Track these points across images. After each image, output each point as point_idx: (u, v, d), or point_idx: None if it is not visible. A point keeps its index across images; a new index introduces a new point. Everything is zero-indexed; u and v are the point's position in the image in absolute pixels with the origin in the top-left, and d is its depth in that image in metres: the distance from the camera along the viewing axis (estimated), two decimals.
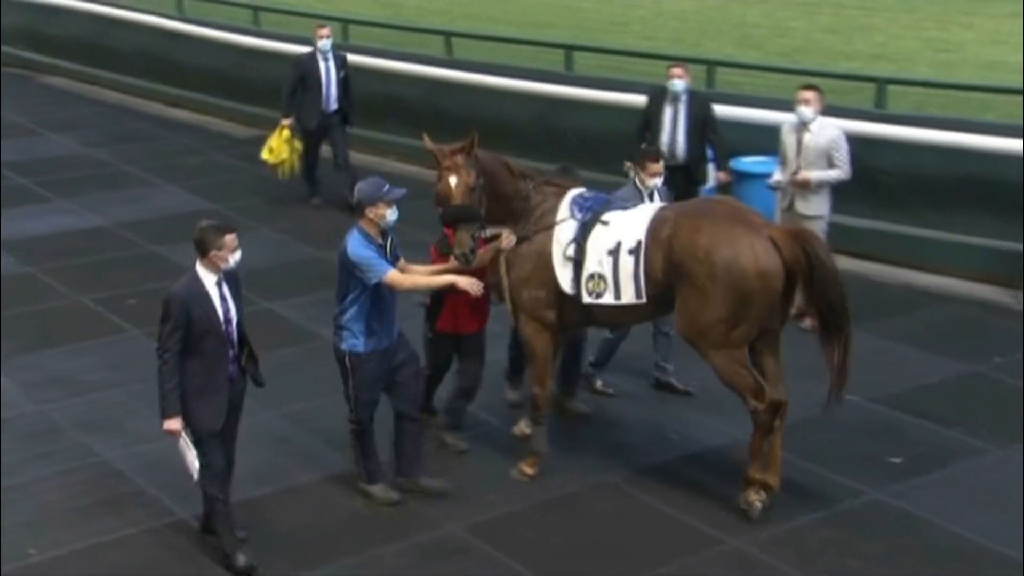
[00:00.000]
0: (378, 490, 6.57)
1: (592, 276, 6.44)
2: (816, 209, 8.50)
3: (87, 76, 18.10)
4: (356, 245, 6.20)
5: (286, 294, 9.69)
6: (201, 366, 5.83)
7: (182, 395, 5.82)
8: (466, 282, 6.32)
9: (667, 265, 6.27)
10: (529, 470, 6.80)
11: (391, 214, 6.25)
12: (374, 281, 6.18)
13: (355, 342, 6.33)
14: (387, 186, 6.28)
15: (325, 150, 12.01)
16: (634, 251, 6.34)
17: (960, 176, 9.88)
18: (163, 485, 6.89)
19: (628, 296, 6.38)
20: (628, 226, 6.44)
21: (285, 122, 11.60)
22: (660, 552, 6.18)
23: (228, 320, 5.92)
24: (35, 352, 8.71)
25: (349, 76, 11.69)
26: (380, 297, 6.28)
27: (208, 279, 5.89)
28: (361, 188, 6.31)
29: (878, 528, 6.37)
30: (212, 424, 5.90)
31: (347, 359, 6.37)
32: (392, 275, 6.22)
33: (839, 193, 8.68)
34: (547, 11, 20.50)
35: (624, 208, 6.64)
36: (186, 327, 5.78)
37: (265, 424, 7.53)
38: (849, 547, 6.20)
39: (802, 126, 8.49)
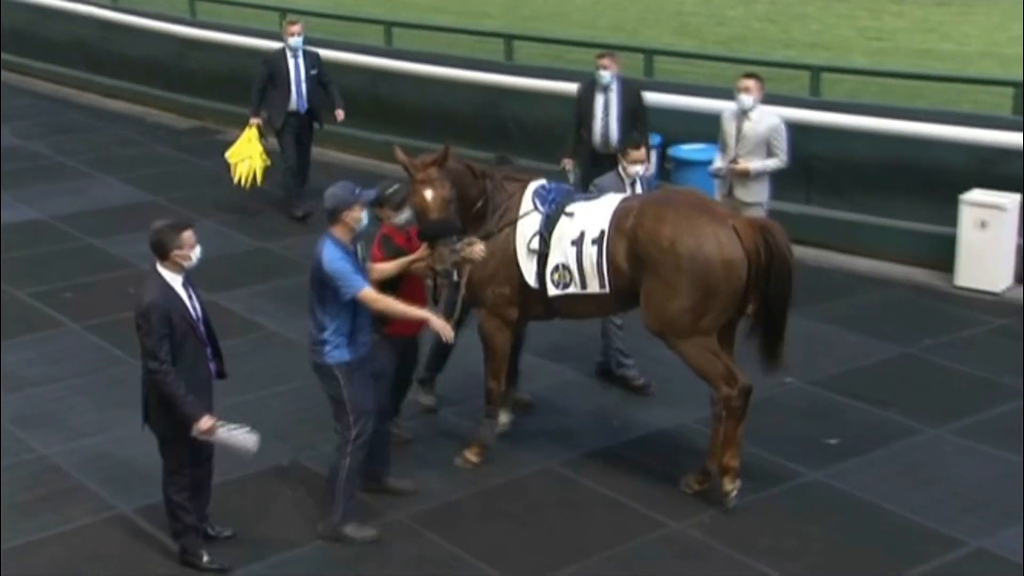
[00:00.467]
0: (353, 529, 6.20)
1: (557, 267, 6.43)
2: (755, 196, 8.58)
3: (19, 66, 17.78)
4: (331, 256, 5.90)
5: (228, 285, 9.61)
6: (182, 370, 5.71)
7: (166, 401, 5.70)
8: (439, 324, 6.09)
9: (631, 255, 6.28)
10: (474, 458, 6.81)
11: (365, 217, 6.07)
12: (349, 296, 5.92)
13: (341, 352, 6.04)
14: (358, 188, 6.11)
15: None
16: (597, 241, 6.34)
17: (894, 162, 10.04)
18: (103, 480, 6.84)
19: (593, 286, 6.38)
20: (592, 216, 6.43)
21: (253, 121, 11.11)
22: (603, 536, 6.23)
23: (199, 319, 5.83)
24: None
25: (325, 73, 11.19)
26: (359, 304, 6.07)
27: (175, 281, 5.74)
28: (335, 194, 6.03)
29: (816, 508, 6.47)
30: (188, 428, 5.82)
31: (336, 371, 6.04)
32: (367, 292, 5.96)
33: (776, 179, 8.78)
34: (486, 1, 20.47)
35: (589, 198, 6.64)
36: (170, 334, 5.65)
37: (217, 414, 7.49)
38: (787, 527, 6.29)
39: (742, 114, 8.57)
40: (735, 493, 6.39)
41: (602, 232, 6.34)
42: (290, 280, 9.74)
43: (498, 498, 6.59)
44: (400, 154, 6.42)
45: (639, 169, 7.31)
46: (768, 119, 8.57)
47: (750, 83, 8.53)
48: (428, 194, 6.30)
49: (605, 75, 9.49)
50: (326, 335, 6.03)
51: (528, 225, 6.53)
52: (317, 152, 13.52)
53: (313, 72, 11.03)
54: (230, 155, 11.16)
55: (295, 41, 10.98)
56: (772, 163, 8.56)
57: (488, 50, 13.13)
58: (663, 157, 10.85)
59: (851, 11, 19.08)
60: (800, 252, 9.95)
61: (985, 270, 9.37)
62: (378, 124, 12.72)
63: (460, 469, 6.82)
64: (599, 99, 9.54)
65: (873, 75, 12.08)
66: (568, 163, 9.64)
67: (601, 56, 9.63)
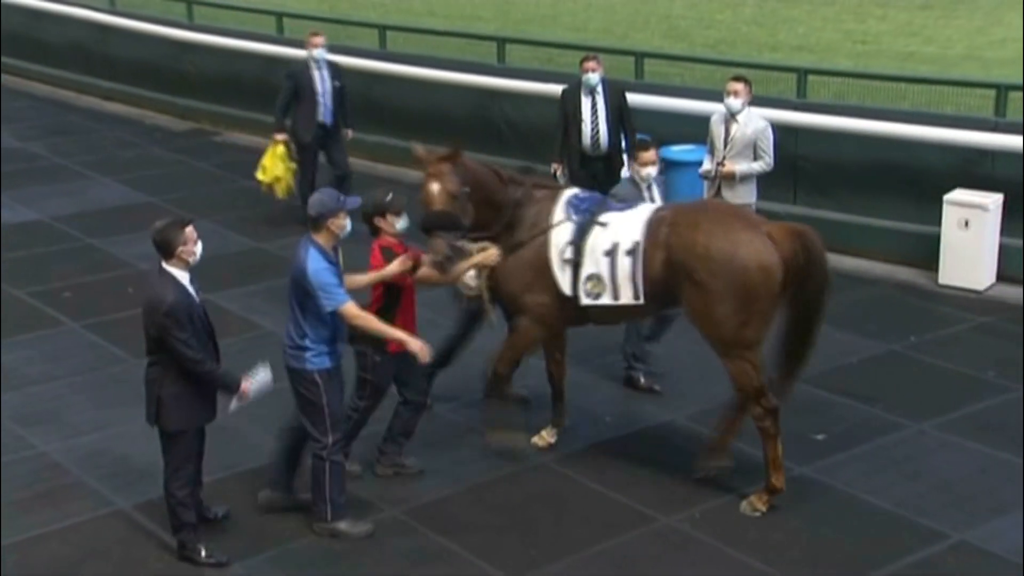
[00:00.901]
0: (348, 525, 6.18)
1: (590, 277, 6.36)
2: (743, 197, 8.59)
3: (17, 69, 17.75)
4: (317, 267, 5.85)
5: (224, 285, 9.60)
6: (211, 360, 5.83)
7: (178, 395, 5.76)
8: (417, 346, 6.06)
9: (667, 265, 6.20)
10: (544, 441, 6.97)
11: (348, 224, 6.04)
12: (329, 309, 5.89)
13: (322, 360, 6.01)
14: (341, 196, 6.14)
15: None
16: (631, 252, 6.26)
17: (878, 163, 10.07)
18: (102, 476, 6.84)
19: (626, 297, 6.32)
20: (625, 227, 6.34)
21: (279, 137, 10.66)
22: (595, 531, 6.24)
23: (205, 314, 5.90)
24: None
25: (344, 85, 10.82)
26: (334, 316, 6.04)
27: (184, 278, 5.78)
28: (320, 201, 6.01)
29: (803, 502, 6.48)
30: (207, 417, 5.93)
31: (317, 377, 6.00)
32: (349, 307, 5.93)
33: (764, 180, 8.80)
34: (478, 5, 20.47)
35: (622, 208, 6.55)
36: (191, 326, 5.73)
37: None
38: (775, 521, 6.31)
39: (730, 117, 8.57)
40: (756, 511, 6.32)
41: (636, 243, 6.27)
42: (286, 280, 9.69)
43: (491, 493, 6.60)
44: (418, 149, 6.46)
45: (652, 171, 7.24)
46: (755, 122, 8.58)
47: (738, 86, 8.54)
48: (434, 187, 6.30)
49: (593, 77, 9.48)
50: (307, 342, 5.98)
51: (561, 234, 6.43)
52: None
53: (337, 83, 10.67)
54: (260, 174, 10.69)
55: (319, 53, 10.60)
56: (758, 166, 8.57)
57: (480, 53, 13.13)
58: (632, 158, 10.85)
59: (836, 15, 19.11)
60: None
61: (968, 269, 9.40)
62: (372, 126, 12.71)
63: (452, 464, 6.78)
64: (586, 102, 9.52)
65: (858, 77, 12.08)
66: (557, 167, 9.63)
67: (587, 59, 9.60)
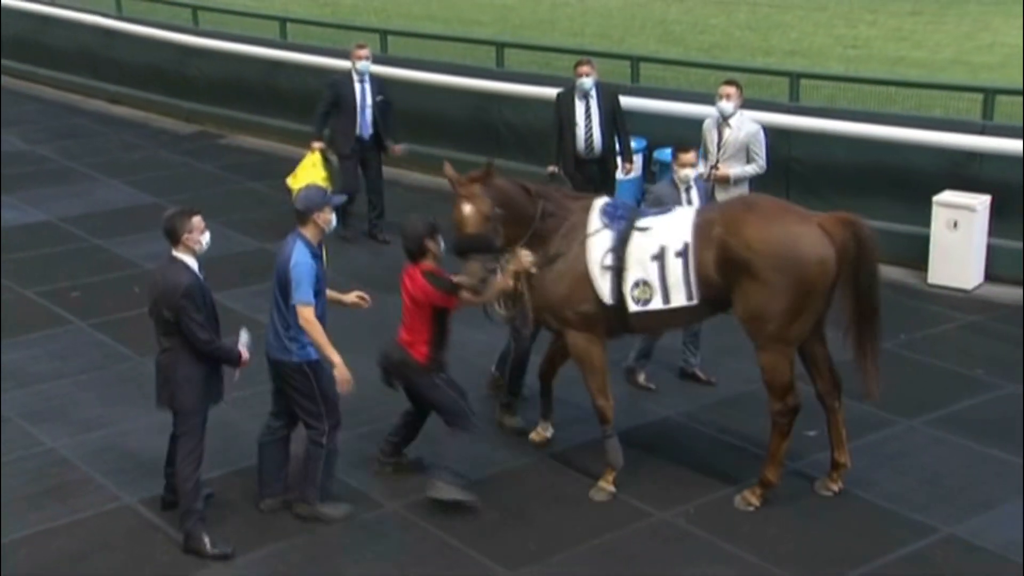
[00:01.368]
0: (330, 508, 6.26)
1: (637, 284, 6.20)
2: None
3: (26, 73, 17.73)
4: (300, 260, 5.92)
5: (229, 284, 9.59)
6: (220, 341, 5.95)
7: (190, 377, 5.88)
8: (342, 375, 5.98)
9: (722, 265, 6.10)
10: (610, 487, 6.48)
11: (334, 219, 6.14)
12: (294, 302, 5.92)
13: (309, 350, 6.05)
14: (326, 192, 6.24)
15: None
16: (682, 253, 6.14)
17: (869, 165, 10.06)
18: (109, 472, 6.83)
19: (678, 299, 6.19)
20: (671, 230, 6.21)
21: (315, 145, 10.24)
22: (592, 525, 6.24)
23: (212, 300, 6.01)
24: None
25: (388, 100, 10.46)
26: (320, 305, 6.06)
27: (193, 264, 5.91)
28: (307, 196, 6.13)
29: (795, 497, 6.48)
30: (216, 397, 6.04)
31: (306, 367, 6.05)
32: (308, 312, 5.91)
33: (756, 182, 8.78)
34: (478, 10, 20.46)
35: (659, 212, 6.45)
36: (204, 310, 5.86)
37: (211, 410, 7.47)
38: (768, 516, 6.30)
39: (723, 120, 8.55)
40: (750, 506, 6.31)
41: (686, 245, 6.14)
42: None
43: (490, 488, 6.58)
44: (448, 169, 6.29)
45: (691, 172, 7.16)
46: (747, 126, 8.55)
47: (730, 90, 8.52)
48: (467, 209, 6.13)
49: (586, 82, 9.46)
50: (292, 332, 6.02)
51: (599, 243, 6.27)
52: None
53: (379, 98, 10.33)
54: (292, 181, 10.13)
55: (363, 65, 10.30)
56: (751, 169, 8.54)
57: (480, 57, 13.12)
58: (648, 160, 10.86)
59: (828, 20, 19.12)
60: None
61: (956, 268, 9.40)
62: None
63: (452, 460, 6.75)
64: (580, 106, 9.49)
65: (849, 81, 12.08)
66: (554, 170, 9.62)
67: (580, 64, 9.57)
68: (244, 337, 6.12)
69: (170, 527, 6.22)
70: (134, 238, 10.76)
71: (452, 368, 7.35)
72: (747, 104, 8.79)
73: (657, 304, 6.22)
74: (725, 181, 8.51)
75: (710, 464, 6.81)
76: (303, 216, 6.04)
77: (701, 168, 8.73)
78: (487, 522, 6.28)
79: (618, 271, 6.23)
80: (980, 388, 7.78)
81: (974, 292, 9.39)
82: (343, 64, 13.34)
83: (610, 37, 17.49)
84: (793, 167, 10.34)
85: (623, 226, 6.28)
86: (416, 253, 6.23)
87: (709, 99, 8.96)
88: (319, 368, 6.09)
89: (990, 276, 9.51)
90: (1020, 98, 10.58)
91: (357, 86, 10.29)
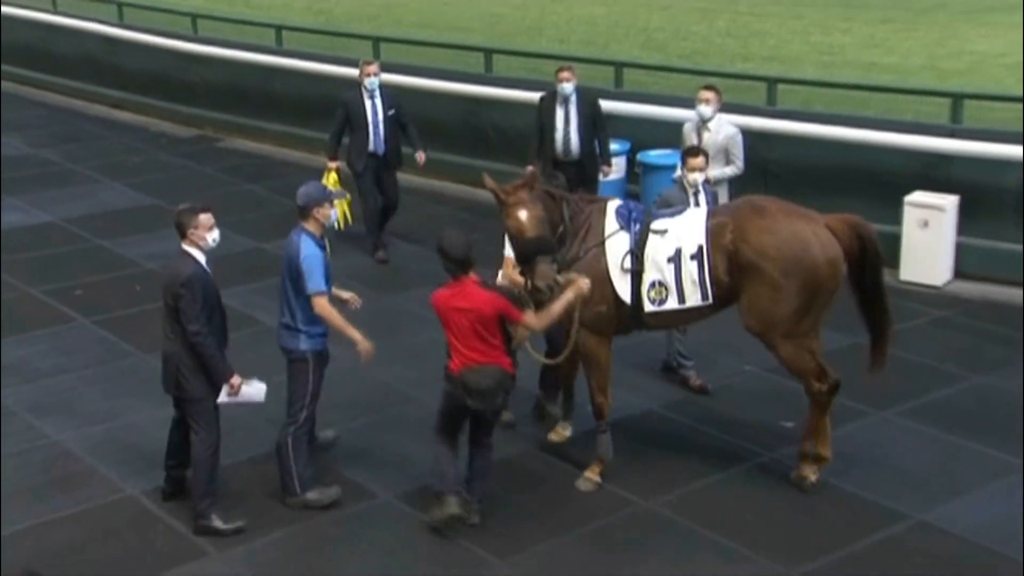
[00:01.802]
0: (317, 494, 6.28)
1: (654, 284, 6.18)
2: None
3: (31, 80, 17.65)
4: (308, 252, 6.02)
5: (227, 283, 9.47)
6: (213, 339, 5.92)
7: (194, 366, 5.87)
8: (365, 347, 6.06)
9: (733, 267, 6.09)
10: (596, 478, 6.45)
11: (333, 214, 6.27)
12: (309, 291, 6.01)
13: (316, 342, 6.15)
14: (326, 188, 6.34)
15: None
16: (696, 256, 6.12)
17: (843, 166, 10.08)
18: (112, 463, 6.82)
19: (693, 300, 6.17)
20: (685, 233, 6.19)
21: (332, 165, 9.91)
22: (578, 514, 6.24)
23: (219, 297, 6.02)
24: None
25: (404, 114, 10.04)
26: (328, 292, 6.14)
27: (201, 258, 5.93)
28: (307, 192, 6.20)
29: (773, 486, 6.50)
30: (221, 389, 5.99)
31: (309, 357, 6.13)
32: (323, 299, 6.02)
33: (735, 183, 8.80)
34: (467, 17, 20.44)
35: (671, 213, 6.41)
36: (203, 303, 5.84)
37: None
38: (747, 504, 6.32)
39: (702, 123, 8.57)
40: (812, 479, 6.33)
41: (700, 247, 6.11)
42: None
43: None
44: (489, 181, 6.18)
45: (699, 176, 7.11)
46: (726, 129, 8.57)
47: (709, 94, 8.54)
48: (523, 215, 6.00)
49: (567, 87, 9.47)
50: (299, 324, 6.11)
51: (617, 244, 6.23)
52: (308, 158, 13.56)
53: (391, 113, 9.93)
54: None
55: (372, 82, 9.88)
56: (730, 171, 8.56)
57: (469, 63, 13.11)
58: (632, 162, 10.86)
59: (804, 28, 19.14)
60: None
61: (927, 266, 9.43)
62: None
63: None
64: (560, 110, 9.49)
65: (824, 86, 12.11)
66: (533, 171, 9.60)
67: (561, 70, 9.57)
68: (258, 387, 6.06)
69: (172, 517, 6.21)
70: (135, 238, 10.74)
71: (437, 362, 7.34)
72: (726, 108, 8.81)
73: (672, 304, 6.20)
74: (705, 182, 8.51)
75: (691, 455, 6.82)
76: (304, 211, 6.14)
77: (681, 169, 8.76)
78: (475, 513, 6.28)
79: (636, 273, 6.19)
80: (949, 380, 7.81)
81: (944, 288, 9.43)
82: (337, 70, 13.40)
83: (595, 44, 17.49)
84: (771, 168, 10.36)
85: (640, 228, 6.25)
86: (466, 265, 5.84)
87: (690, 103, 8.96)
88: (320, 362, 6.17)
89: (959, 273, 9.54)
90: (987, 102, 10.66)
91: (368, 102, 9.92)
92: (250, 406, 6.16)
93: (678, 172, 8.72)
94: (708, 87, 8.62)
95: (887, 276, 9.43)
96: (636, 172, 10.73)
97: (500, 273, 6.68)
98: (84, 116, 16.11)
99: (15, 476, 6.65)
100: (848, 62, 15.96)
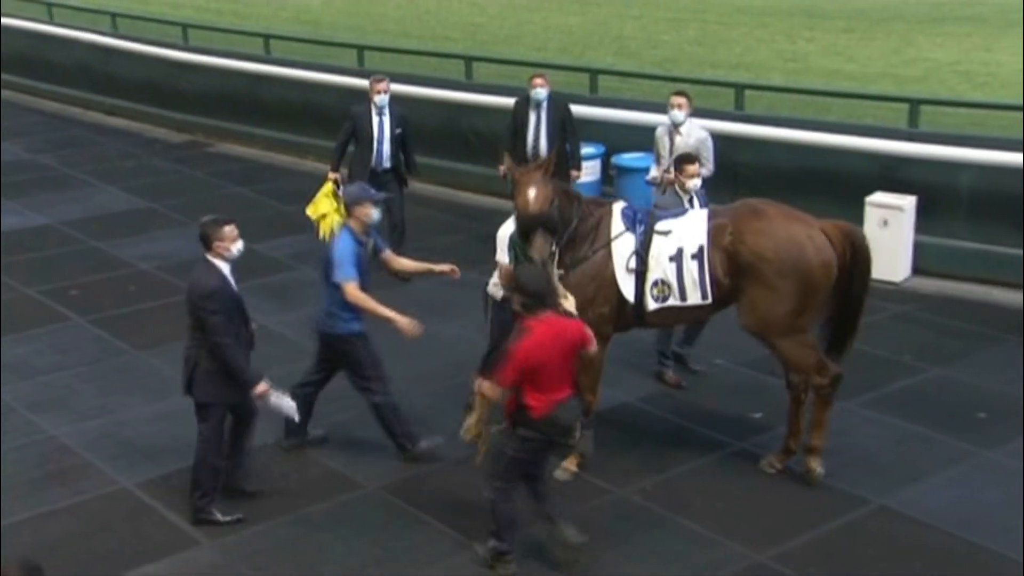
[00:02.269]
0: (426, 443, 6.53)
1: (656, 283, 6.14)
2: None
3: (28, 88, 17.52)
4: (344, 245, 6.21)
5: None
6: (238, 348, 5.87)
7: (209, 371, 5.82)
8: (405, 323, 6.14)
9: (732, 268, 6.07)
10: (573, 468, 6.40)
11: (376, 213, 6.34)
12: (337, 279, 6.16)
13: (353, 325, 6.27)
14: (371, 189, 6.53)
15: None
16: (697, 256, 6.09)
17: (807, 168, 10.12)
18: (107, 457, 6.77)
19: (694, 298, 6.13)
20: (687, 233, 6.16)
21: (331, 176, 9.38)
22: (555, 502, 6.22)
23: (242, 305, 5.97)
24: None
25: (409, 134, 9.63)
26: (364, 287, 6.25)
27: (224, 268, 5.86)
28: (350, 191, 6.42)
29: (742, 474, 6.52)
30: (236, 396, 5.95)
31: (351, 340, 6.29)
32: (351, 286, 6.16)
33: (706, 184, 8.79)
34: (448, 26, 20.41)
35: (673, 214, 6.37)
36: (226, 313, 5.80)
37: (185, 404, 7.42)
38: (718, 491, 6.33)
39: (674, 128, 8.58)
40: (820, 471, 6.31)
41: (701, 247, 6.09)
42: (275, 278, 9.69)
43: (459, 469, 6.54)
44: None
45: (696, 183, 7.06)
46: (696, 132, 8.59)
47: (681, 100, 8.55)
48: (531, 191, 5.93)
49: (540, 92, 9.47)
50: (336, 309, 6.26)
51: (623, 245, 6.18)
52: (294, 162, 13.52)
53: (398, 131, 9.48)
54: (310, 211, 9.20)
55: (381, 99, 9.47)
56: (701, 172, 8.56)
57: (450, 70, 13.09)
58: (606, 165, 10.88)
59: (770, 36, 19.21)
60: None
61: (887, 263, 9.44)
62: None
63: (431, 445, 6.74)
64: (532, 115, 9.50)
65: (789, 92, 12.17)
66: (504, 168, 9.62)
67: (535, 76, 9.58)
68: (288, 402, 6.07)
69: (165, 508, 6.18)
70: (129, 240, 10.67)
71: (424, 360, 7.33)
72: (696, 113, 8.82)
73: (674, 301, 6.18)
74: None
75: (664, 445, 6.83)
76: (348, 209, 6.37)
77: (654, 172, 8.78)
78: (458, 501, 6.27)
79: (641, 273, 6.16)
80: (908, 372, 7.85)
81: (903, 284, 9.48)
82: (323, 77, 13.35)
83: (571, 52, 17.50)
84: (739, 171, 10.38)
85: (644, 230, 6.22)
86: (545, 299, 5.36)
87: (662, 108, 8.98)
88: (364, 343, 6.34)
89: (917, 270, 9.60)
90: (942, 107, 10.74)
91: (375, 119, 9.48)
92: (283, 415, 6.18)
93: (651, 174, 8.80)
94: (680, 93, 8.64)
95: None
96: (611, 174, 10.74)
97: (492, 279, 6.66)
98: (79, 123, 16.00)
99: (13, 470, 6.60)
100: (812, 69, 16.03)
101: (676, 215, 6.39)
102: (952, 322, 8.68)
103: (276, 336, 8.21)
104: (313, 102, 13.54)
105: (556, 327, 5.33)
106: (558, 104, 9.57)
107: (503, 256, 6.42)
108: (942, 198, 9.49)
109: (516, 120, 9.62)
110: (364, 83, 12.81)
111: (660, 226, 6.25)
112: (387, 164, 9.49)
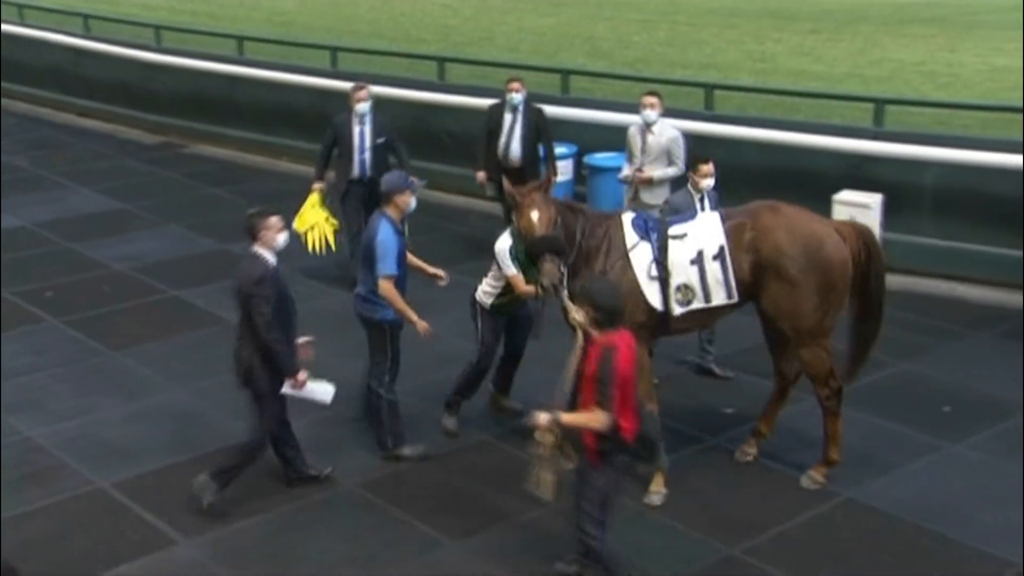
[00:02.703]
0: (409, 450, 6.57)
1: (679, 287, 6.09)
2: (659, 199, 8.59)
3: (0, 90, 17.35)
4: (386, 235, 6.22)
5: (192, 283, 9.49)
6: (283, 336, 5.92)
7: (262, 363, 5.87)
8: (423, 326, 6.29)
9: (754, 267, 6.06)
10: (663, 488, 6.23)
11: (413, 201, 6.40)
12: (377, 273, 6.21)
13: (388, 313, 6.34)
14: (410, 178, 6.53)
15: None
16: (719, 256, 6.05)
17: (776, 167, 10.20)
18: (82, 458, 6.73)
19: (719, 299, 6.10)
20: (704, 235, 6.12)
21: (316, 186, 9.18)
22: (526, 501, 6.19)
23: (288, 295, 6.02)
24: None
25: (395, 140, 9.26)
26: (402, 269, 6.34)
27: (271, 258, 5.92)
28: (389, 179, 6.43)
29: (714, 468, 6.57)
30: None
31: (386, 326, 6.37)
32: (388, 284, 6.24)
33: (677, 184, 8.86)
34: (421, 28, 20.38)
35: (684, 218, 6.34)
36: (275, 301, 5.85)
37: (175, 399, 7.40)
38: (690, 486, 6.37)
39: (646, 127, 8.62)
40: (822, 480, 6.30)
41: (722, 248, 6.05)
42: None
43: (438, 468, 6.59)
44: (507, 185, 6.21)
45: (710, 182, 7.03)
46: (668, 132, 8.63)
47: (652, 100, 8.59)
48: (534, 214, 5.92)
49: (516, 97, 9.50)
50: (375, 297, 6.32)
51: (641, 255, 6.11)
52: (269, 163, 13.47)
53: (380, 140, 9.14)
54: (297, 224, 8.93)
55: (361, 108, 9.11)
56: (672, 171, 8.62)
57: (423, 71, 13.08)
58: (579, 164, 10.91)
59: (739, 37, 19.31)
60: None
61: None
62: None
63: (415, 452, 6.67)
64: (507, 118, 9.52)
65: (758, 92, 12.25)
66: (482, 176, 9.64)
67: (511, 80, 9.60)
68: (324, 388, 6.11)
69: (141, 508, 6.15)
70: (103, 241, 10.60)
71: (406, 355, 7.29)
72: (667, 113, 8.86)
73: (699, 304, 6.15)
74: (648, 182, 8.58)
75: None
76: (387, 196, 6.32)
77: (626, 171, 8.82)
78: (435, 498, 6.29)
79: (664, 280, 6.12)
80: (875, 367, 7.87)
81: None
82: (296, 79, 13.30)
83: (543, 53, 17.51)
84: None
85: (659, 236, 6.18)
86: (621, 315, 4.98)
87: (633, 108, 9.02)
88: (396, 331, 6.40)
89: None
90: (907, 107, 10.85)
91: (356, 128, 9.11)
92: (313, 404, 6.16)
93: (624, 172, 8.83)
94: (651, 93, 8.68)
95: None
96: (583, 174, 10.78)
97: (482, 287, 6.69)
98: (52, 124, 15.87)
99: None
100: (779, 69, 16.13)
101: (686, 219, 6.36)
102: (918, 318, 8.76)
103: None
104: (287, 103, 13.50)
105: (629, 340, 4.94)
106: (533, 109, 9.61)
107: (510, 270, 6.45)
108: (907, 196, 9.59)
109: (491, 122, 9.64)
110: (338, 84, 12.87)
111: (674, 231, 6.20)
112: (368, 173, 9.04)
